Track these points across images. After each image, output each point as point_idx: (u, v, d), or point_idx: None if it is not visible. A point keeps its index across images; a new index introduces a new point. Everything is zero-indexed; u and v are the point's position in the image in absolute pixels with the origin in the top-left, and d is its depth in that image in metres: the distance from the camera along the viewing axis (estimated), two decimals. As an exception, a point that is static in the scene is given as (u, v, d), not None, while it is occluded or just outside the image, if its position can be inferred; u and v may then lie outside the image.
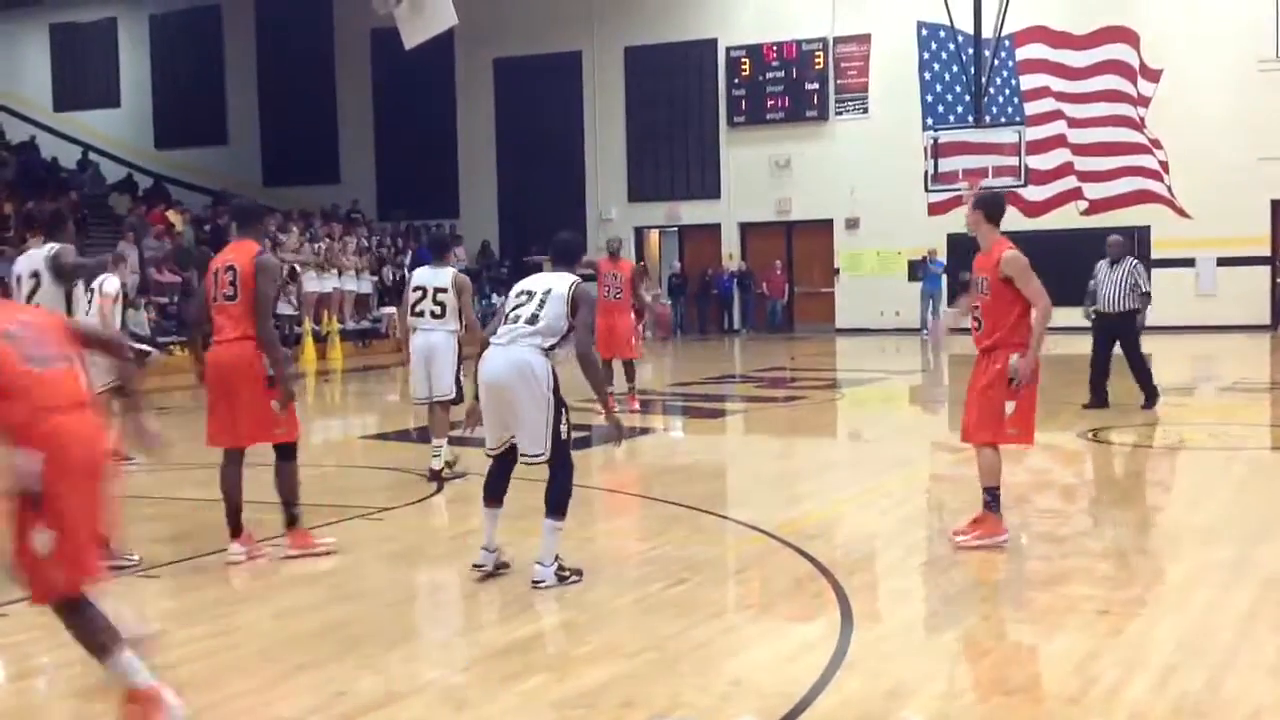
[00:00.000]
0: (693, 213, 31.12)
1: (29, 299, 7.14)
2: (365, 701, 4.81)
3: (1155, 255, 26.32)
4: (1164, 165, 26.89)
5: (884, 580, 6.85)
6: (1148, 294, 13.66)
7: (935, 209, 27.13)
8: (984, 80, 23.60)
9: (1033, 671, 5.23)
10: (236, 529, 7.15)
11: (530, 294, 6.51)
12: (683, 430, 14.19)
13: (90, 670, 5.39)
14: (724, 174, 30.64)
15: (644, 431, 13.40)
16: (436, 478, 9.67)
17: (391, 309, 26.79)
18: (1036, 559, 7.09)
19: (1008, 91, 27.44)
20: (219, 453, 7.38)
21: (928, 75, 28.05)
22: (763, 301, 30.54)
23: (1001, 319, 7.11)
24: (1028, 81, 27.63)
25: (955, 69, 26.30)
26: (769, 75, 29.77)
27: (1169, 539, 7.71)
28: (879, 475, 10.20)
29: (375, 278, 28.13)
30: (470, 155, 33.10)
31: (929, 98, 27.96)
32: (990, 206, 7.35)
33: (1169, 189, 26.91)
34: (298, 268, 24.64)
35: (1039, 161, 26.31)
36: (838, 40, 29.22)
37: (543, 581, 6.36)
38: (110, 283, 10.94)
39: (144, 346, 11.51)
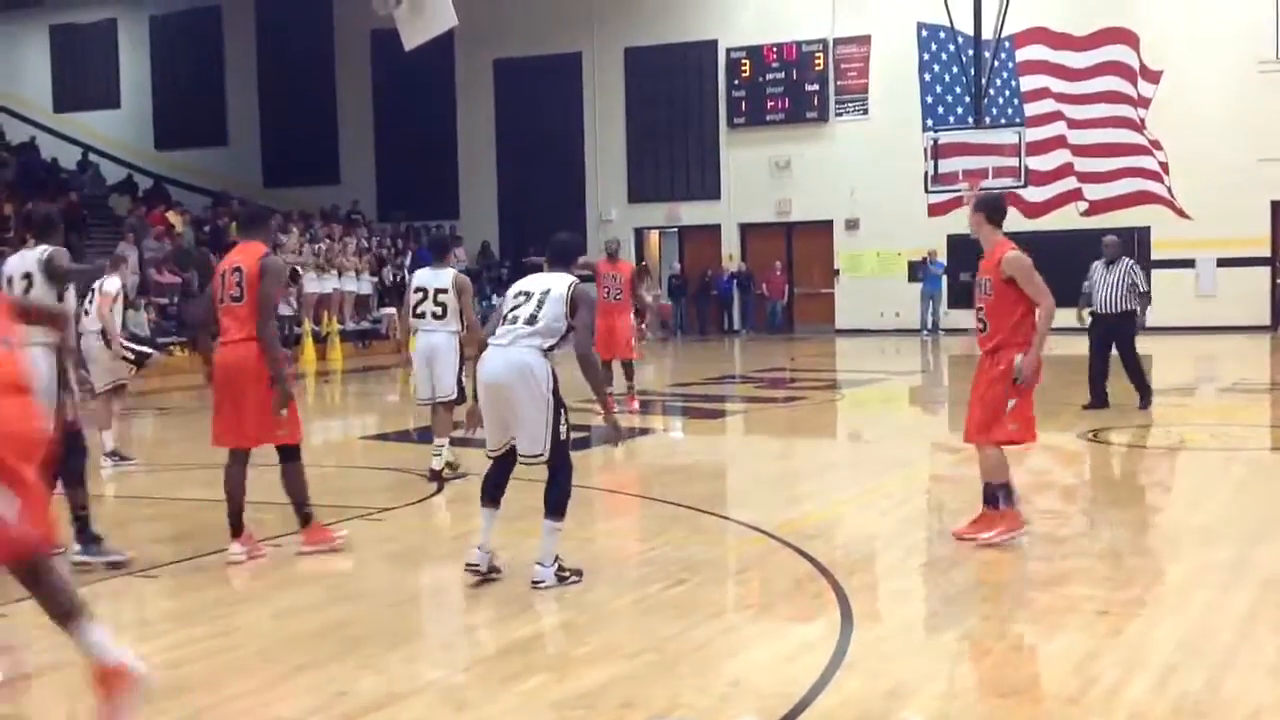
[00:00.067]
0: (693, 214, 31.13)
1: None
2: (365, 702, 4.81)
3: (1155, 256, 26.36)
4: (1164, 166, 26.90)
5: (884, 581, 6.85)
6: (1147, 294, 13.67)
7: (935, 210, 27.15)
8: (984, 81, 23.61)
9: (1032, 672, 5.23)
10: (237, 529, 7.16)
11: (528, 295, 6.51)
12: (682, 431, 14.19)
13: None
14: (724, 175, 30.65)
15: (644, 432, 13.41)
16: (436, 478, 9.68)
17: (391, 309, 26.81)
18: (1036, 559, 7.08)
19: (1008, 93, 27.46)
20: (219, 453, 7.39)
21: (928, 76, 28.08)
22: (762, 302, 30.54)
23: (1005, 320, 7.14)
24: (1028, 83, 27.64)
25: (955, 70, 26.33)
26: (769, 76, 29.78)
27: (1169, 539, 7.71)
28: (879, 476, 10.20)
29: (375, 278, 28.14)
30: (470, 156, 33.11)
31: (929, 99, 28.00)
32: (991, 208, 7.38)
33: (1169, 190, 26.92)
34: (299, 269, 24.65)
35: (1039, 163, 26.32)
36: (838, 41, 29.23)
37: (542, 582, 6.36)
38: (110, 283, 10.97)
39: (145, 349, 11.50)
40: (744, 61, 30.03)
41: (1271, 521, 8.06)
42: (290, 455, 7.28)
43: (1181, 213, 26.77)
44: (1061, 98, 27.58)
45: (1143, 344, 13.55)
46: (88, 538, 7.23)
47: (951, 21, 23.77)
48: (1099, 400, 13.28)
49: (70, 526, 7.25)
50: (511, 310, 6.48)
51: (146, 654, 5.58)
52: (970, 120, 24.47)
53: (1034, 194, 26.30)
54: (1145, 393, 13.35)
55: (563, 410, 6.36)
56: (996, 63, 24.74)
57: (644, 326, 28.79)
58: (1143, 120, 27.03)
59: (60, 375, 7.18)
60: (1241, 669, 5.02)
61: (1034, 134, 25.70)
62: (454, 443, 9.75)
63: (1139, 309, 13.44)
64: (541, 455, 6.33)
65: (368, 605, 6.29)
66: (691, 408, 15.99)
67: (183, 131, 35.83)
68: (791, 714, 4.59)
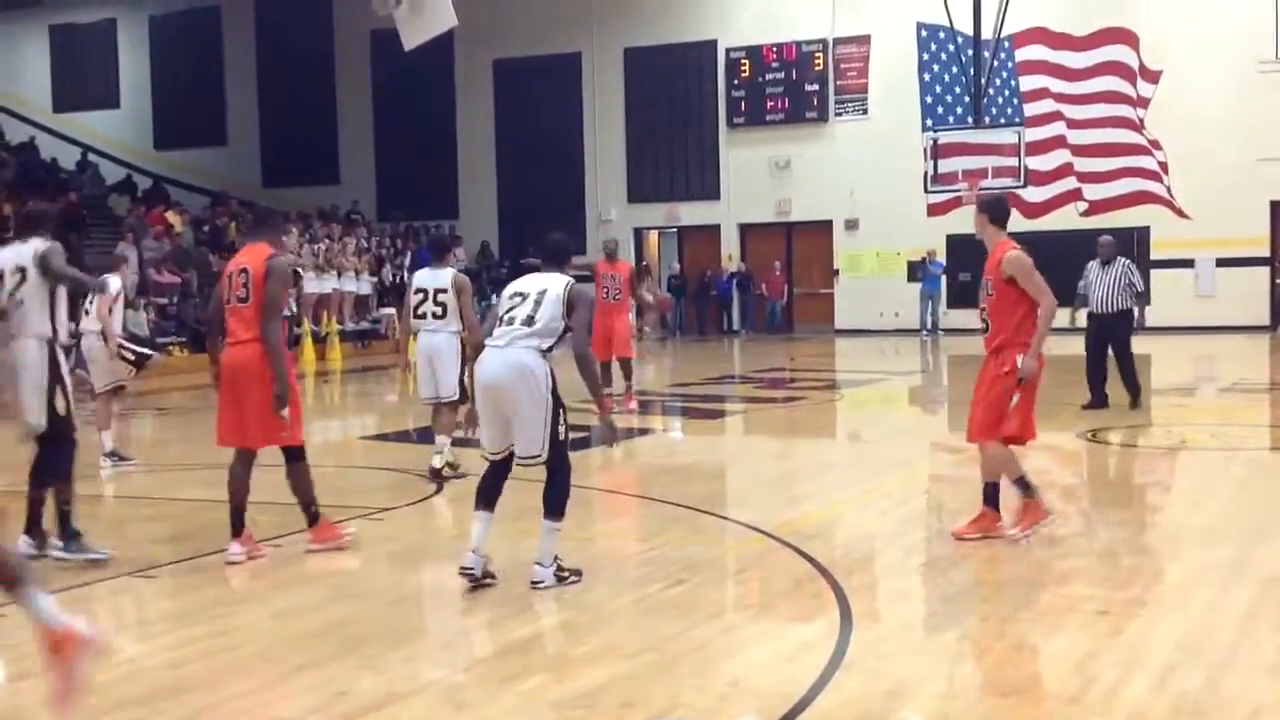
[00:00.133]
0: (692, 214, 31.13)
1: (12, 294, 7.14)
2: (365, 702, 4.81)
3: (1155, 256, 26.39)
4: (1163, 166, 26.91)
5: (883, 580, 6.85)
6: (1144, 293, 13.68)
7: (935, 210, 27.15)
8: (983, 81, 23.62)
9: (1032, 671, 5.23)
10: (238, 528, 7.16)
11: (524, 295, 6.48)
12: (682, 431, 14.19)
13: (89, 669, 5.40)
14: (723, 175, 30.65)
15: (643, 432, 13.41)
16: (436, 476, 9.69)
17: (391, 310, 26.82)
18: (1036, 559, 7.08)
19: (1007, 92, 27.47)
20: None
21: (927, 76, 28.09)
22: (762, 302, 30.54)
23: (1007, 319, 7.16)
24: (1027, 83, 27.64)
25: (955, 70, 26.33)
26: (768, 76, 29.77)
27: (1168, 539, 7.71)
28: (878, 476, 10.20)
29: (375, 278, 28.14)
30: (470, 156, 33.11)
31: (928, 99, 28.00)
32: (995, 209, 7.42)
33: (1168, 190, 26.93)
34: (299, 269, 24.64)
35: (1038, 162, 26.33)
36: (837, 41, 29.23)
37: (542, 582, 6.35)
38: (112, 282, 10.96)
39: (144, 350, 11.48)
40: (743, 61, 30.03)
41: (1271, 521, 8.06)
42: (295, 456, 7.31)
43: (1181, 213, 26.78)
44: (1061, 98, 27.58)
45: (1142, 344, 13.56)
46: (69, 534, 7.22)
47: (951, 21, 23.78)
48: (1098, 400, 13.29)
49: (54, 522, 7.26)
50: (508, 311, 6.46)
51: (146, 654, 5.61)
52: (970, 120, 24.48)
53: (1033, 194, 26.30)
54: (1135, 393, 13.37)
55: (561, 411, 6.35)
56: (996, 63, 24.74)
57: (643, 323, 28.94)
58: (1142, 120, 27.03)
59: (52, 368, 7.19)
60: (1241, 668, 5.02)
61: (1033, 134, 25.70)
62: (454, 443, 9.75)
63: (1136, 308, 13.46)
64: (540, 456, 6.32)
65: (367, 605, 6.29)
66: (691, 408, 15.99)
67: (182, 131, 35.83)
68: (791, 714, 4.59)
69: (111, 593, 6.78)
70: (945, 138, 22.92)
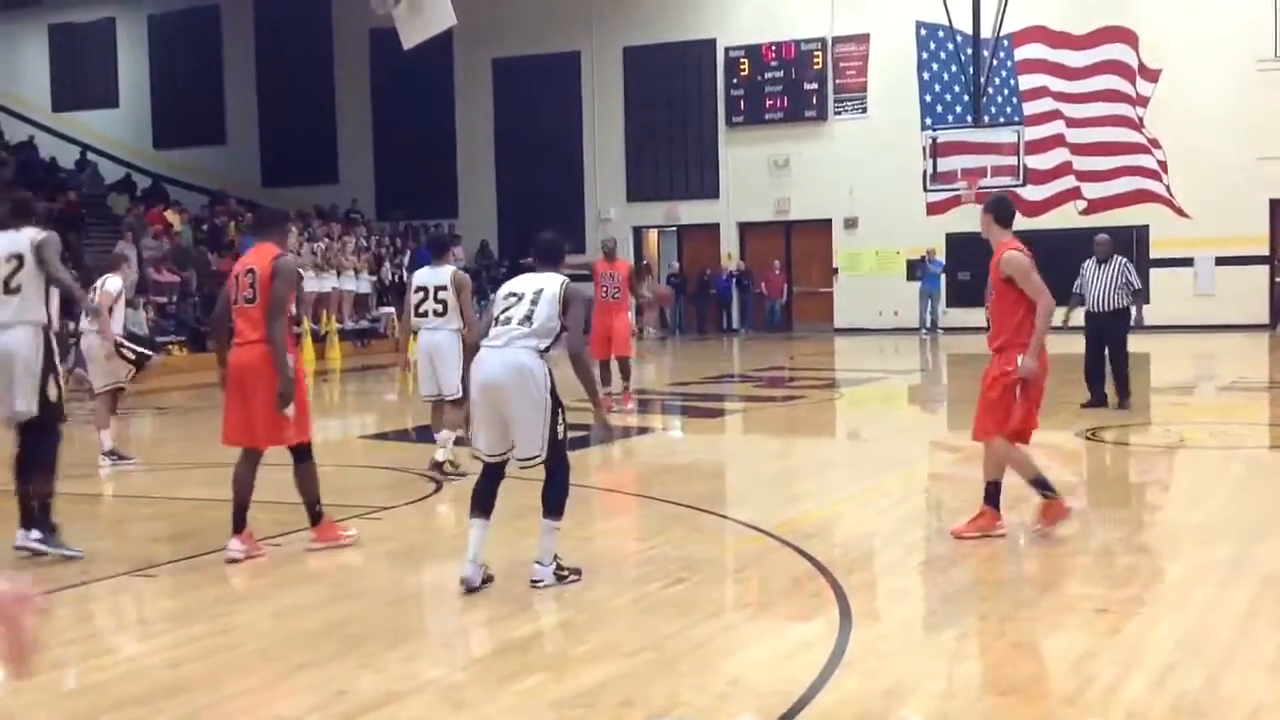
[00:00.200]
0: (691, 213, 31.12)
1: (7, 281, 7.15)
2: (365, 701, 4.81)
3: (1154, 255, 26.39)
4: (1163, 165, 26.90)
5: (882, 579, 6.86)
6: (1141, 291, 13.69)
7: (934, 209, 27.16)
8: (983, 80, 23.61)
9: (1031, 670, 5.23)
10: (239, 525, 7.17)
11: (519, 295, 6.46)
12: (681, 430, 14.19)
13: (88, 668, 5.41)
14: (723, 174, 30.64)
15: (643, 431, 13.41)
16: (438, 468, 9.70)
17: (390, 309, 26.82)
18: (1035, 558, 7.10)
19: (1006, 91, 27.46)
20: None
21: (926, 75, 28.08)
22: (761, 301, 30.54)
23: (1007, 319, 7.19)
24: (1026, 81, 27.64)
25: (954, 69, 26.33)
26: (768, 75, 29.77)
27: (1167, 538, 7.71)
28: (878, 474, 10.20)
29: (374, 277, 28.14)
30: (469, 155, 33.10)
31: (928, 97, 27.99)
32: (999, 209, 7.44)
33: (1168, 189, 26.92)
34: (300, 270, 24.65)
35: (1038, 161, 26.32)
36: (836, 40, 29.22)
37: (541, 581, 6.36)
38: (112, 282, 10.95)
39: (145, 350, 11.48)
40: (743, 60, 30.02)
41: (1270, 519, 8.06)
42: (303, 455, 7.34)
43: (1180, 211, 26.77)
44: (1060, 96, 27.58)
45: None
46: (47, 527, 7.22)
47: (950, 20, 23.76)
48: (1097, 399, 13.30)
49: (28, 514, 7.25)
50: (504, 311, 6.43)
51: (145, 653, 5.61)
52: (969, 119, 24.47)
53: (1033, 193, 26.28)
54: (1125, 393, 13.38)
55: (560, 410, 6.35)
56: (995, 61, 24.73)
57: (643, 323, 28.94)
58: (1141, 119, 27.02)
59: (47, 355, 7.20)
60: (1240, 667, 5.02)
61: (1033, 133, 25.70)
62: (456, 443, 9.75)
63: (1133, 307, 13.47)
64: (539, 456, 6.31)
65: (367, 604, 6.29)
66: (690, 407, 15.99)
67: (181, 131, 35.82)
68: (790, 713, 4.59)
69: (111, 592, 6.78)
70: (944, 136, 22.92)
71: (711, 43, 30.36)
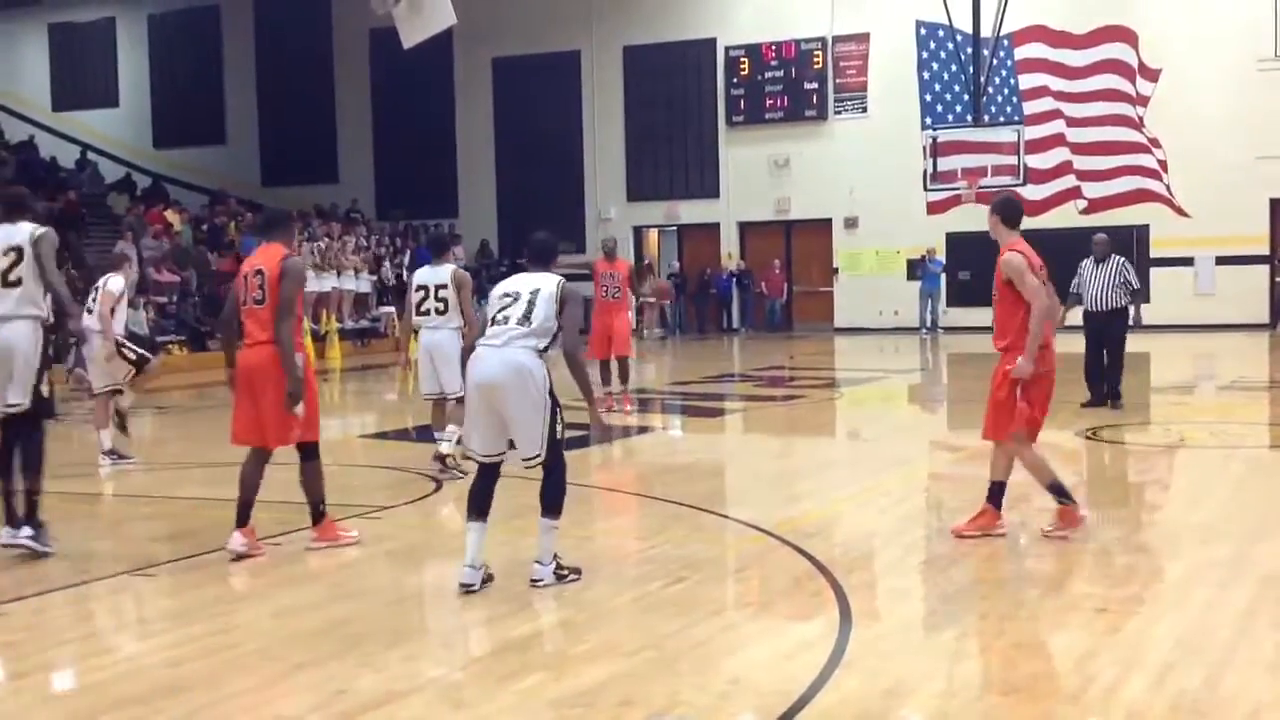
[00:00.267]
0: (691, 212, 31.12)
1: (6, 274, 7.15)
2: (365, 700, 4.81)
3: (1154, 254, 26.39)
4: (1163, 164, 26.90)
5: (883, 579, 6.85)
6: (1140, 290, 13.69)
7: (934, 208, 27.15)
8: (983, 79, 23.60)
9: (1031, 670, 5.23)
10: (243, 520, 7.18)
11: (515, 295, 6.45)
12: (682, 429, 14.19)
13: (88, 668, 5.41)
14: (723, 173, 30.64)
15: (643, 430, 13.41)
16: (441, 460, 9.71)
17: (390, 308, 26.83)
18: (1035, 557, 7.10)
19: (1006, 91, 27.45)
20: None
21: (926, 74, 28.07)
22: (761, 301, 30.53)
23: (1010, 320, 7.21)
24: (1026, 81, 27.63)
25: (954, 68, 26.32)
26: (768, 75, 29.76)
27: (1167, 537, 7.71)
28: (878, 474, 10.20)
29: (374, 277, 28.14)
30: (469, 154, 33.10)
31: (928, 97, 27.98)
32: (1007, 210, 7.46)
33: (1168, 188, 26.92)
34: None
35: (1038, 160, 26.31)
36: (836, 39, 29.22)
37: (541, 580, 6.35)
38: (114, 282, 10.92)
39: (144, 352, 11.46)
40: (743, 60, 30.01)
41: (1270, 519, 8.06)
42: (310, 454, 7.37)
43: (1180, 211, 26.77)
44: (1060, 96, 27.58)
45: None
46: (36, 523, 7.22)
47: (950, 19, 23.75)
48: (1097, 398, 13.30)
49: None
50: (501, 311, 6.42)
51: (145, 652, 5.61)
52: (969, 118, 24.45)
53: (1033, 192, 26.24)
54: (1117, 394, 13.38)
55: (558, 410, 6.35)
56: (995, 61, 24.71)
57: (644, 323, 28.94)
58: (1141, 118, 27.02)
59: (44, 350, 7.21)
60: (1240, 666, 5.02)
61: (1033, 132, 25.69)
62: (458, 442, 9.75)
63: (1131, 306, 13.47)
64: (538, 456, 6.31)
65: (367, 603, 6.28)
66: (691, 406, 15.98)
67: (181, 130, 35.81)
68: (790, 712, 4.59)
69: (111, 591, 6.78)
70: (944, 136, 22.90)
71: (711, 42, 30.36)
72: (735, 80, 30.12)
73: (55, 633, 6.03)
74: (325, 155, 34.42)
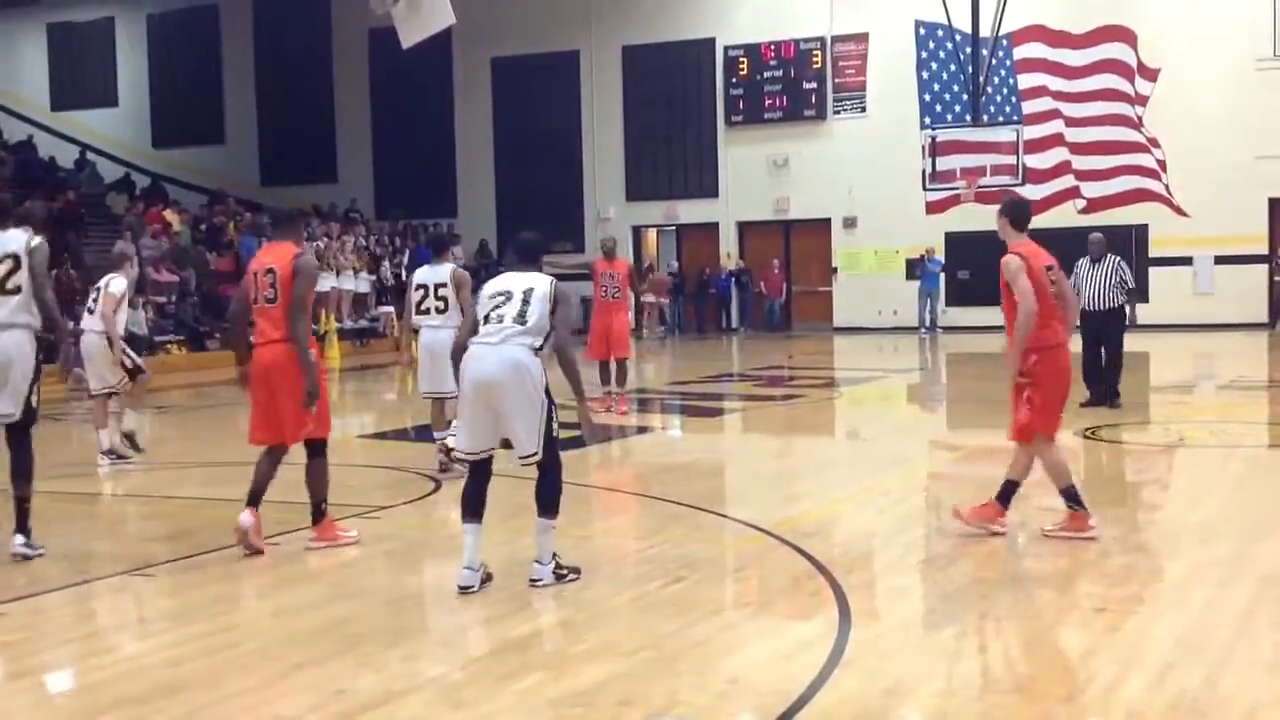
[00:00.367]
0: (691, 212, 31.11)
1: (4, 282, 7.15)
2: (364, 700, 4.81)
3: (1153, 254, 26.40)
4: (1162, 164, 26.90)
5: (882, 578, 6.85)
6: (1135, 289, 13.71)
7: (933, 208, 27.16)
8: (982, 79, 23.60)
9: (1030, 669, 5.23)
10: (253, 503, 7.22)
11: (508, 294, 6.44)
12: (681, 429, 14.19)
13: (87, 668, 5.40)
14: (722, 173, 30.63)
15: (642, 430, 13.41)
16: (446, 453, 9.73)
17: (389, 308, 26.82)
18: (1034, 557, 7.10)
19: (1005, 90, 27.45)
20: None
21: (925, 74, 28.07)
22: (761, 300, 30.53)
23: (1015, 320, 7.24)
24: (1025, 80, 27.63)
25: (953, 68, 26.33)
26: (767, 74, 29.76)
27: (1166, 536, 7.71)
28: (877, 473, 10.20)
29: (373, 277, 28.13)
30: (468, 154, 33.10)
31: (927, 97, 27.99)
32: (1014, 212, 7.52)
33: (1166, 188, 26.92)
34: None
35: (1037, 160, 26.32)
36: (835, 39, 29.21)
37: (541, 580, 6.36)
38: (116, 283, 10.90)
39: (140, 363, 11.40)
40: (742, 59, 30.01)
41: (1270, 518, 8.07)
42: (318, 450, 7.42)
43: (1179, 210, 26.77)
44: (1059, 95, 27.58)
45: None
46: (28, 529, 7.22)
47: (949, 19, 23.75)
48: (1096, 397, 13.30)
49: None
50: (494, 310, 6.40)
51: (145, 652, 5.61)
52: (968, 118, 24.46)
53: (1032, 192, 26.14)
54: (1115, 393, 13.39)
55: (554, 408, 6.35)
56: (994, 60, 24.72)
57: (645, 324, 28.94)
58: (1140, 118, 27.02)
59: (37, 361, 7.21)
60: (1239, 666, 5.02)
61: (1032, 132, 25.68)
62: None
63: (1127, 305, 13.48)
64: (535, 454, 6.31)
65: (366, 603, 6.29)
66: (690, 406, 15.98)
67: (180, 130, 35.80)
68: (789, 712, 4.59)
69: (110, 591, 6.78)
70: (943, 135, 22.91)
71: (711, 42, 30.35)
72: (734, 80, 30.12)
73: (55, 632, 6.03)
74: (324, 155, 34.41)
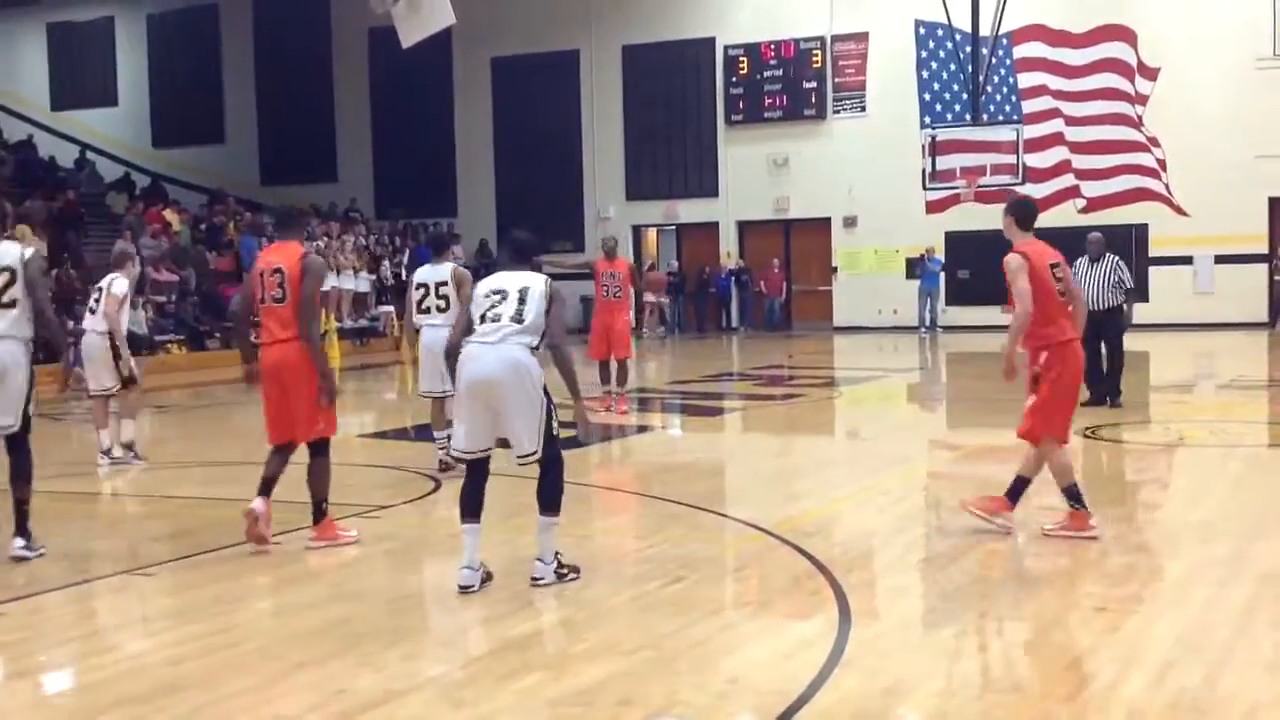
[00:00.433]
0: (691, 211, 31.12)
1: (0, 295, 7.14)
2: (364, 699, 4.81)
3: (1153, 253, 26.41)
4: (1162, 163, 26.90)
5: (882, 578, 6.86)
6: (1134, 289, 13.72)
7: (933, 207, 27.17)
8: (981, 78, 23.61)
9: (1030, 669, 5.23)
10: (265, 492, 7.27)
11: (503, 293, 6.41)
12: (681, 428, 14.19)
13: (87, 667, 5.41)
14: (722, 173, 30.63)
15: (642, 429, 13.41)
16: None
17: (389, 307, 26.83)
18: (1034, 556, 7.10)
19: (1005, 89, 27.45)
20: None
21: (925, 73, 28.07)
22: (761, 300, 30.53)
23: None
24: (1025, 80, 27.63)
25: (953, 67, 26.32)
26: (767, 74, 29.76)
27: (1166, 536, 7.71)
28: (877, 473, 10.20)
29: (373, 276, 28.13)
30: (468, 154, 33.10)
31: (927, 96, 27.99)
32: (1020, 211, 7.53)
33: (1166, 187, 26.92)
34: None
35: (1037, 160, 26.31)
36: (835, 39, 29.21)
37: (542, 578, 6.36)
38: (119, 284, 10.88)
39: (136, 373, 11.35)
40: (742, 59, 30.01)
41: (1269, 517, 8.07)
42: (322, 450, 7.44)
43: (1179, 210, 26.77)
44: (1059, 95, 27.57)
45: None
46: (28, 532, 7.22)
47: (949, 18, 23.75)
48: (1096, 397, 13.29)
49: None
50: (491, 309, 6.38)
51: (145, 651, 5.61)
52: (968, 117, 24.46)
53: (1032, 191, 25.94)
54: (1117, 392, 13.39)
55: (552, 407, 6.35)
56: (994, 60, 24.72)
57: (645, 324, 28.93)
58: (1140, 117, 27.02)
59: (31, 373, 7.21)
60: (1239, 665, 5.02)
61: (1032, 131, 25.69)
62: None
63: (1125, 305, 13.48)
64: (534, 453, 6.31)
65: (366, 603, 6.29)
66: (690, 405, 15.98)
67: (180, 129, 35.80)
68: (789, 711, 4.59)
69: (111, 590, 6.78)
70: (943, 135, 22.91)
71: (710, 41, 30.36)
72: (734, 79, 30.12)
73: (55, 632, 6.03)
74: (324, 155, 34.41)
